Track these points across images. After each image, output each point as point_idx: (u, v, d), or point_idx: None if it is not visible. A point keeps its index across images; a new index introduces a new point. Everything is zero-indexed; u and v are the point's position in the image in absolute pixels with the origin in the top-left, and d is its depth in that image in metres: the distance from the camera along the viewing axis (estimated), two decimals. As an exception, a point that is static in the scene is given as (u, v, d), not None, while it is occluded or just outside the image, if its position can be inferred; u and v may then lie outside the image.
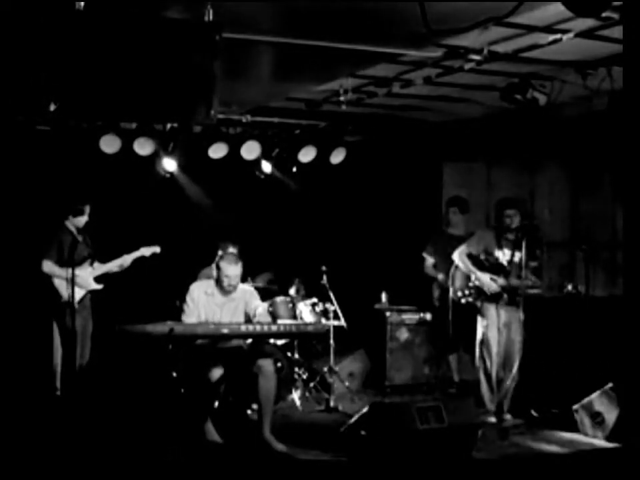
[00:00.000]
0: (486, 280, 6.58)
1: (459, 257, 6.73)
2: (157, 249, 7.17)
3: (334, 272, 7.79)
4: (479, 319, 6.66)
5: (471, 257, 6.69)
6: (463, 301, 6.69)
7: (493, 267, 6.64)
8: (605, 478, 4.97)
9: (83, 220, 6.87)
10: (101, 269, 6.94)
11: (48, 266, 6.61)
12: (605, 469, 5.04)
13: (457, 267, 6.79)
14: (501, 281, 6.56)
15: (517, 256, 6.58)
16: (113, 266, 6.99)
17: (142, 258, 7.12)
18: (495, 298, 6.58)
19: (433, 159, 9.07)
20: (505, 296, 6.57)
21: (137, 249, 7.12)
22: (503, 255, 6.67)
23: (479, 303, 6.64)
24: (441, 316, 7.84)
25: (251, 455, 5.57)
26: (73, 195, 6.89)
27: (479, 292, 6.62)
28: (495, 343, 6.57)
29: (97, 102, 5.14)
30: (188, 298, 6.01)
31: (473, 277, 6.64)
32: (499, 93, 6.41)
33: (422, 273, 7.93)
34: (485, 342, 6.60)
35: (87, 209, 6.87)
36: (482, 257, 6.68)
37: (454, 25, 4.54)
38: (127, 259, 7.03)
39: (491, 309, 6.61)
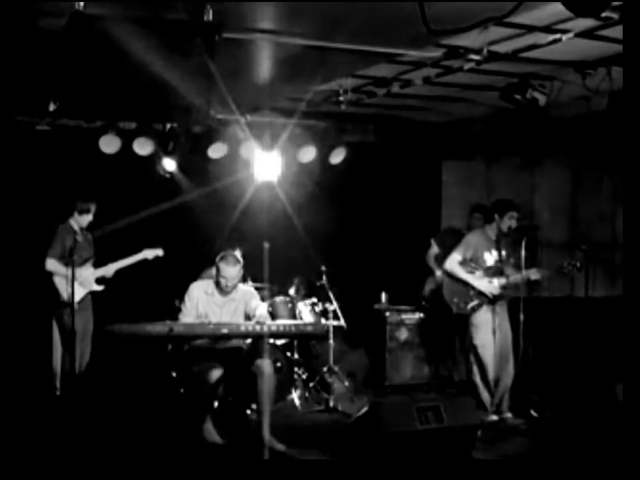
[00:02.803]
0: (484, 285, 6.58)
1: (450, 266, 6.66)
2: (160, 252, 7.18)
3: (334, 272, 7.79)
4: (473, 324, 6.63)
5: (462, 264, 6.66)
6: (469, 307, 6.63)
7: (487, 270, 6.64)
8: (604, 477, 4.97)
9: (87, 218, 6.89)
10: (102, 270, 6.95)
11: (52, 264, 6.62)
12: (604, 469, 5.04)
13: (450, 277, 6.68)
14: (502, 281, 6.55)
15: (503, 254, 6.65)
16: (115, 267, 6.99)
17: (143, 259, 7.13)
18: (496, 299, 6.59)
19: (433, 159, 9.07)
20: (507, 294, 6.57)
21: (136, 249, 7.13)
22: (491, 256, 6.68)
23: (484, 307, 6.62)
24: (432, 315, 7.84)
25: (251, 455, 5.57)
26: (78, 193, 6.89)
27: (481, 295, 6.62)
28: (491, 347, 6.56)
29: (96, 102, 5.15)
30: (186, 297, 6.02)
31: (470, 285, 6.63)
32: (499, 92, 6.41)
33: (423, 271, 7.90)
34: (481, 347, 6.59)
35: (93, 207, 6.89)
36: (472, 262, 6.66)
37: (454, 25, 4.54)
38: (128, 262, 7.03)
39: (484, 314, 6.60)
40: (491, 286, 6.57)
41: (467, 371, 6.97)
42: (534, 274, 6.62)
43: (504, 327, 6.61)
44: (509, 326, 6.56)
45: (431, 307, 7.84)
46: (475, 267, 6.64)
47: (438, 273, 7.62)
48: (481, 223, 7.66)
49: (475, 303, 6.61)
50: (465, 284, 6.61)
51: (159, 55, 4.89)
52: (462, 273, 6.62)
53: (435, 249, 7.86)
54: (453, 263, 6.66)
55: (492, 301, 6.59)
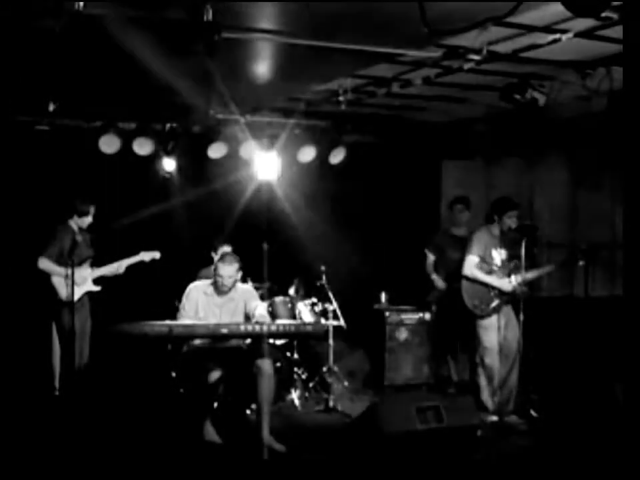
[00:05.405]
0: (505, 284, 6.59)
1: (470, 270, 6.61)
2: (157, 255, 7.17)
3: (334, 272, 7.79)
4: (482, 326, 6.63)
5: (480, 267, 6.63)
6: (491, 308, 6.60)
7: (500, 268, 6.64)
8: (604, 477, 4.97)
9: (87, 220, 6.89)
10: (99, 271, 6.95)
11: (44, 263, 6.61)
12: (604, 468, 5.04)
13: (468, 280, 6.64)
14: (519, 278, 6.53)
15: (505, 253, 6.67)
16: (112, 269, 6.99)
17: (140, 261, 7.12)
18: (515, 298, 6.60)
19: (432, 159, 9.07)
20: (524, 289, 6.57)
21: (136, 248, 7.13)
22: (498, 254, 6.69)
23: (503, 306, 6.62)
24: (439, 317, 7.85)
25: (250, 455, 5.56)
26: (78, 195, 6.89)
27: (502, 295, 6.62)
28: (497, 346, 6.57)
29: (96, 102, 5.15)
30: (185, 299, 6.02)
31: (490, 286, 6.62)
32: (499, 92, 6.41)
33: (422, 271, 7.91)
34: (489, 349, 6.59)
35: (92, 209, 6.89)
36: (484, 262, 6.65)
37: (454, 25, 4.54)
38: (124, 263, 7.02)
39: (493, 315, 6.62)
40: (511, 285, 6.58)
41: (471, 372, 6.96)
42: (548, 269, 6.72)
43: (511, 325, 6.61)
44: (516, 323, 6.55)
45: (438, 310, 7.83)
46: (489, 266, 6.63)
47: (440, 283, 7.66)
48: (466, 213, 7.68)
49: (496, 303, 6.60)
50: (485, 285, 6.61)
51: (158, 55, 4.89)
52: (482, 276, 6.60)
53: (431, 257, 7.82)
54: (472, 266, 6.62)
55: (510, 299, 6.60)
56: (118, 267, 6.99)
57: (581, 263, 6.49)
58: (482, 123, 8.20)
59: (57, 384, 6.77)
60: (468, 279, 6.64)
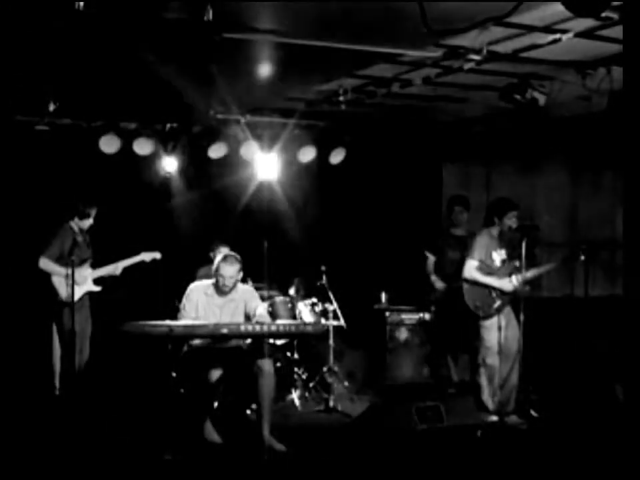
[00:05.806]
0: (506, 284, 6.59)
1: (469, 273, 6.61)
2: (157, 255, 7.17)
3: (334, 272, 7.78)
4: (484, 326, 6.63)
5: (480, 268, 6.65)
6: (494, 309, 6.60)
7: (501, 269, 6.64)
8: (604, 477, 4.97)
9: (88, 222, 6.90)
10: (100, 271, 6.95)
11: (45, 263, 6.61)
12: (604, 469, 5.04)
13: (468, 282, 6.64)
14: (520, 277, 6.53)
15: (505, 254, 6.67)
16: (112, 269, 6.99)
17: (141, 261, 7.12)
18: (516, 297, 6.60)
19: (433, 159, 9.07)
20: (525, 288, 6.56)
21: (135, 249, 7.13)
22: (498, 255, 6.69)
23: (506, 306, 6.63)
24: (439, 318, 7.85)
25: (251, 455, 5.56)
26: (79, 196, 6.89)
27: (503, 295, 6.62)
28: (497, 346, 6.57)
29: (96, 102, 5.14)
30: (185, 299, 6.02)
31: (492, 287, 6.62)
32: (499, 92, 6.41)
33: (422, 271, 7.92)
34: (491, 349, 6.59)
35: (94, 212, 6.89)
36: (484, 264, 6.65)
37: (453, 24, 4.55)
38: (124, 264, 7.01)
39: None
40: (511, 284, 6.58)
41: (472, 371, 6.96)
42: (550, 266, 6.71)
43: (512, 325, 6.61)
44: (516, 323, 6.56)
45: (438, 310, 7.84)
46: (489, 267, 6.63)
47: (439, 284, 7.67)
48: (465, 214, 7.67)
49: (498, 303, 6.60)
50: (486, 287, 6.61)
51: (159, 55, 4.89)
52: (483, 278, 6.60)
53: (431, 258, 7.82)
54: (471, 269, 6.62)
55: (512, 299, 6.60)
56: (115, 268, 7.00)
57: (582, 257, 6.49)
58: (482, 123, 8.19)
59: (57, 384, 6.77)
60: (468, 281, 6.65)
